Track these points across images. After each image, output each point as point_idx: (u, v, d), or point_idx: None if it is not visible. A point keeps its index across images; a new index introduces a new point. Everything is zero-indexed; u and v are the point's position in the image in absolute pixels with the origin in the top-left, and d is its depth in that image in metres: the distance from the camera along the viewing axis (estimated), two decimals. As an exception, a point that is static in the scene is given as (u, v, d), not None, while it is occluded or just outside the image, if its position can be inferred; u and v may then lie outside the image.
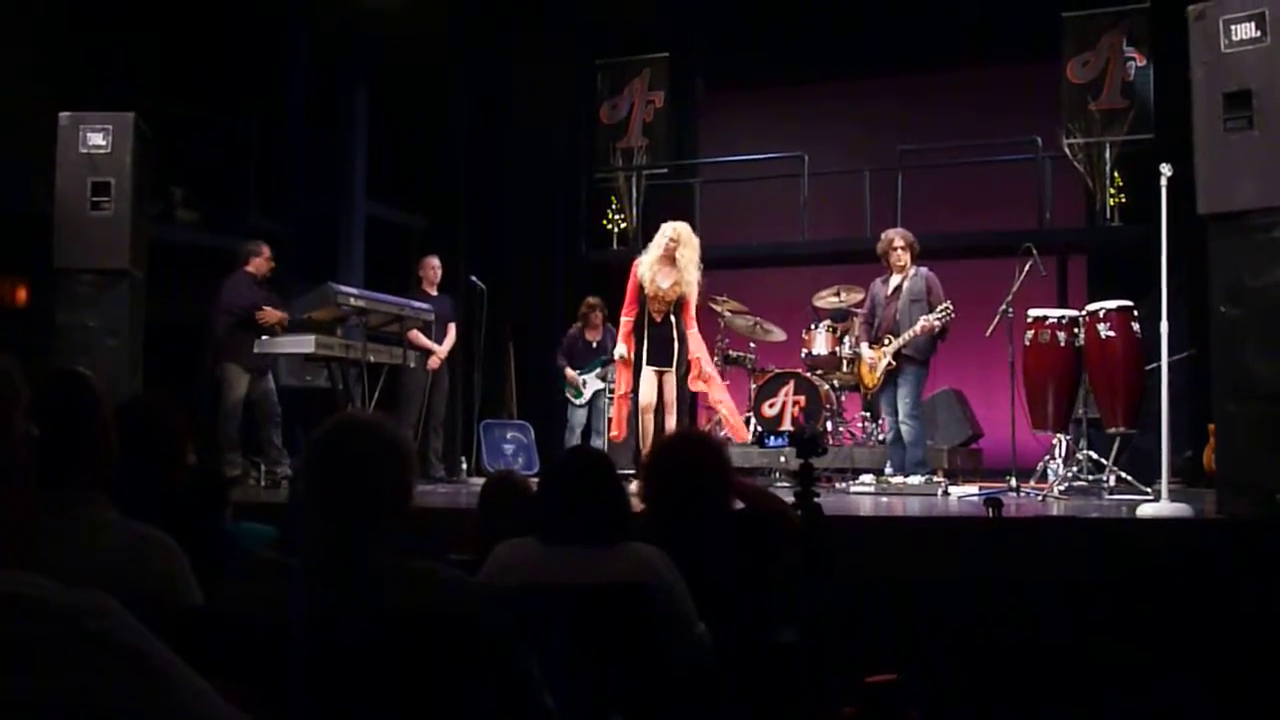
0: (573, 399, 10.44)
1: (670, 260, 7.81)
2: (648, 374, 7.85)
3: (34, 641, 1.17)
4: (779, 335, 10.53)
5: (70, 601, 1.21)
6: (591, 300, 10.43)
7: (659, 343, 7.86)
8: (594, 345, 10.40)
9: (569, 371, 10.41)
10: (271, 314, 8.54)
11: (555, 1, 11.76)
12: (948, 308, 8.11)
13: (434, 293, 9.65)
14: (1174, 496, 5.92)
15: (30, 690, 1.15)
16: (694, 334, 7.98)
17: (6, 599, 1.18)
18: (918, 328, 8.15)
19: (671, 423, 7.79)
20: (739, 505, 3.71)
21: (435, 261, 9.85)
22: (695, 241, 7.95)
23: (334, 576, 2.12)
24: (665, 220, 8.18)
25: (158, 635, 1.27)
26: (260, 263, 8.87)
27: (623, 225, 12.18)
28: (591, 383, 10.30)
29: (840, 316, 9.99)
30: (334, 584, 2.11)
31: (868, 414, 9.84)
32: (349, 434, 2.24)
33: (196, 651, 1.41)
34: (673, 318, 7.86)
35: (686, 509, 3.36)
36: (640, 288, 7.91)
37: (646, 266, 7.87)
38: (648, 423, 7.87)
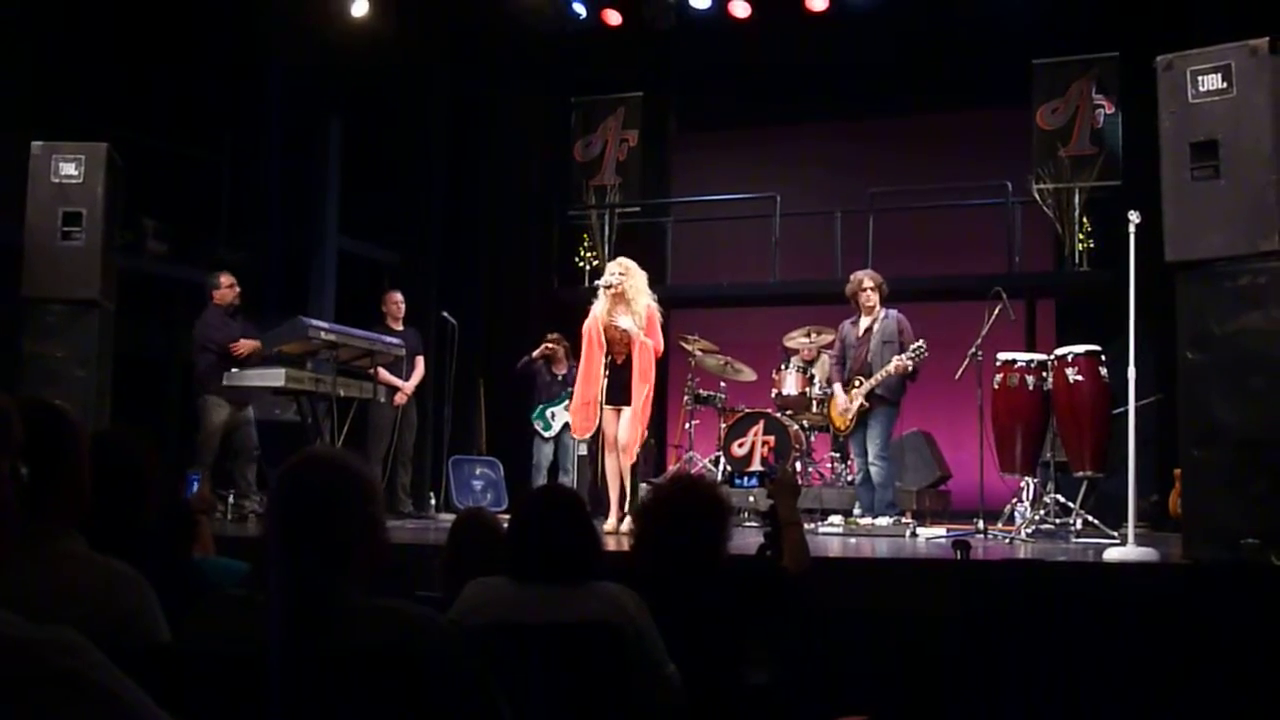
0: (541, 431, 10.44)
1: (621, 296, 7.72)
2: (607, 413, 7.80)
3: (0, 680, 1.15)
4: (749, 375, 10.56)
5: (38, 638, 1.20)
6: (553, 336, 10.44)
7: (618, 384, 7.78)
8: (560, 378, 10.42)
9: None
10: (245, 345, 8.57)
11: (530, 39, 11.81)
12: (921, 347, 8.15)
13: (398, 327, 9.66)
14: (1140, 540, 5.95)
15: (-4, 728, 1.13)
16: (655, 343, 7.79)
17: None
18: (891, 367, 8.19)
19: (625, 462, 7.75)
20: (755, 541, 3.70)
21: (398, 296, 9.87)
22: (641, 272, 7.87)
23: (301, 613, 2.10)
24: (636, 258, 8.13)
25: (125, 672, 1.26)
26: (224, 293, 8.87)
27: (595, 263, 12.16)
28: (560, 415, 10.30)
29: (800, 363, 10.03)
30: (301, 621, 2.09)
31: (837, 454, 9.86)
32: (315, 469, 2.22)
33: (164, 689, 1.40)
34: (634, 360, 7.75)
35: (681, 554, 3.35)
36: (595, 338, 7.79)
37: (602, 314, 7.75)
38: (609, 461, 7.84)
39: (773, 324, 11.09)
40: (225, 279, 8.95)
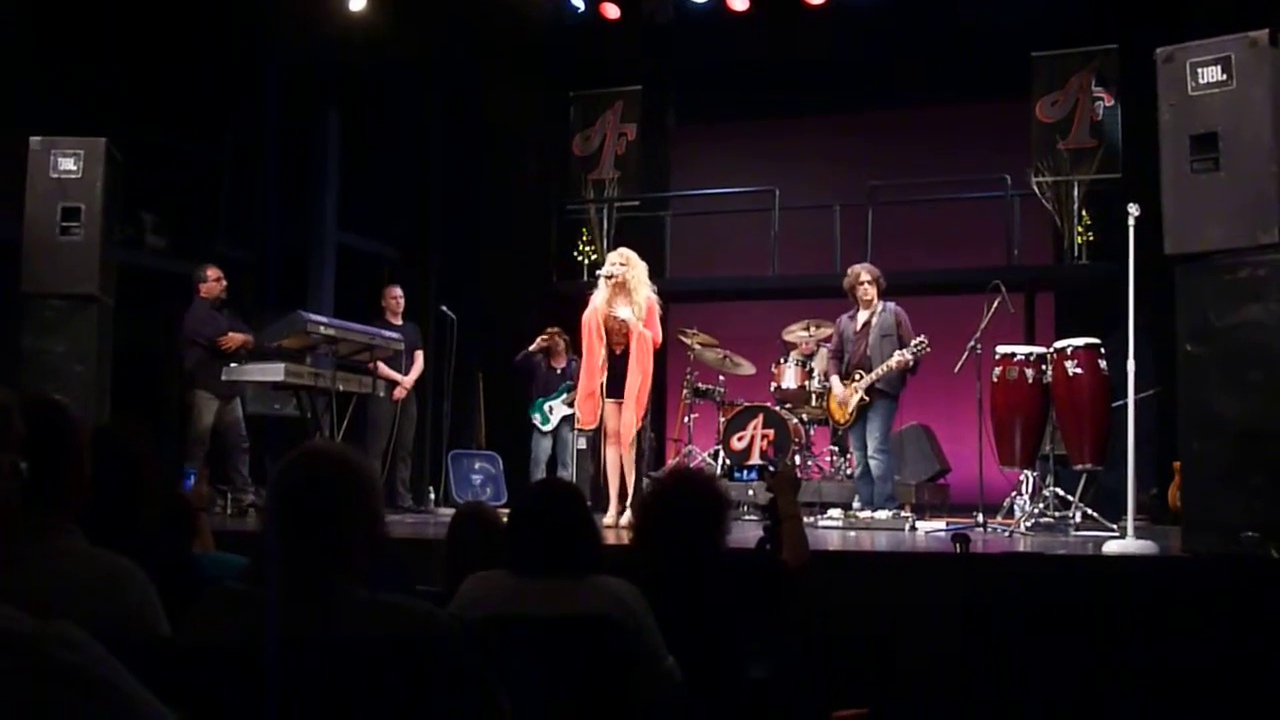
0: (539, 425, 10.43)
1: (622, 287, 7.71)
2: (608, 406, 7.80)
3: (3, 674, 1.16)
4: (748, 369, 10.55)
5: (40, 633, 1.20)
6: (552, 329, 10.44)
7: (617, 375, 7.78)
8: (559, 371, 10.42)
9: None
10: (234, 338, 8.56)
11: (529, 33, 11.80)
12: (923, 342, 8.14)
13: (398, 322, 9.66)
14: (1139, 533, 5.95)
15: (-3, 723, 1.13)
16: (654, 334, 7.78)
17: (-25, 630, 1.17)
18: (892, 362, 8.18)
19: (628, 455, 7.74)
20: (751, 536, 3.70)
21: (398, 291, 9.87)
22: (642, 263, 7.86)
23: (301, 608, 2.11)
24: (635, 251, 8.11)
25: (126, 666, 1.26)
26: (211, 286, 8.83)
27: (593, 257, 12.15)
28: (558, 408, 10.30)
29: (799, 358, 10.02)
30: (301, 615, 2.10)
31: (836, 448, 9.86)
32: (315, 463, 2.22)
33: (165, 683, 1.40)
34: (631, 349, 7.75)
35: (680, 548, 3.35)
36: (594, 330, 7.78)
37: (602, 305, 7.74)
38: (610, 454, 7.84)
39: (772, 318, 11.08)
40: (212, 272, 8.91)
